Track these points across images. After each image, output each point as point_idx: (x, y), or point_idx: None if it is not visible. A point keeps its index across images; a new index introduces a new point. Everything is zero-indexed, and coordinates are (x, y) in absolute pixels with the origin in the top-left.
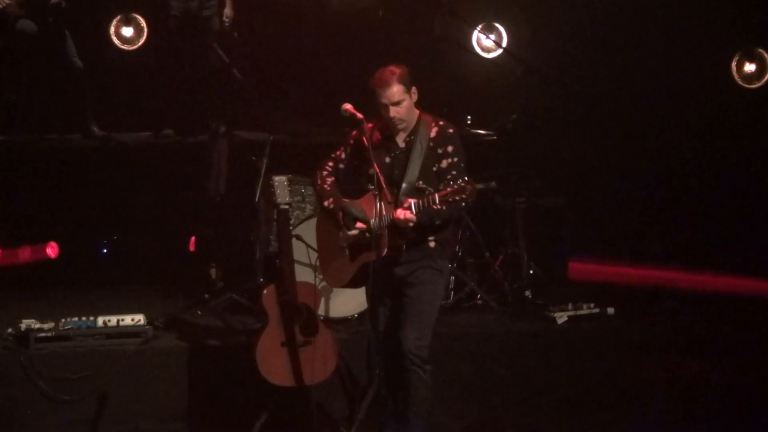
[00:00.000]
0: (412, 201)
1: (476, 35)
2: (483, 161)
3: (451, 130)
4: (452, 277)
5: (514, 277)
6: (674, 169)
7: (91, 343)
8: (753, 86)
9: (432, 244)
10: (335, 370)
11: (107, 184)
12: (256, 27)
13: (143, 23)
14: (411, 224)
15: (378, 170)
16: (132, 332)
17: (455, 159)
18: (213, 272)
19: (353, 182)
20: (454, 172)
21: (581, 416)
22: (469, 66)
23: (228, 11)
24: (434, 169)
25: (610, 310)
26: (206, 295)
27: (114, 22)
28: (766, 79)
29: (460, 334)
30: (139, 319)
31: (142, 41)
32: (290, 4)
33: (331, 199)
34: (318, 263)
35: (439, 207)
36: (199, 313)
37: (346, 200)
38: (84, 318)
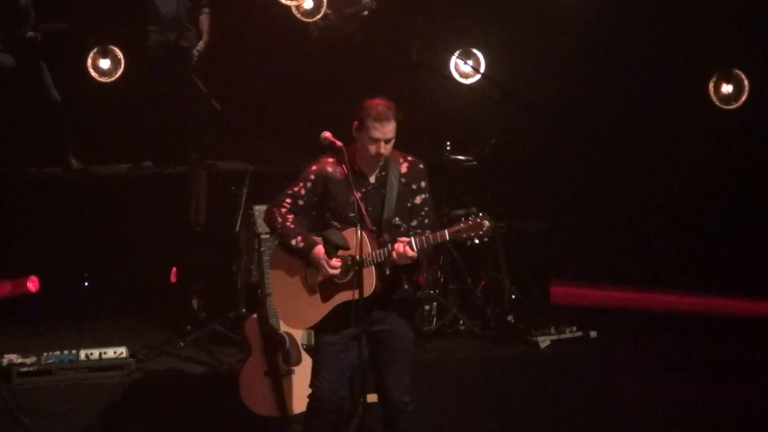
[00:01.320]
0: (413, 238)
1: (454, 61)
2: (463, 187)
3: (421, 166)
4: (434, 303)
5: (497, 302)
6: (655, 192)
7: (73, 377)
8: (730, 107)
9: (406, 286)
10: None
11: (87, 217)
12: (234, 56)
13: (120, 55)
14: (409, 261)
15: (357, 197)
16: (115, 365)
17: (427, 195)
18: (195, 303)
19: (312, 220)
20: (427, 209)
21: None
22: (447, 92)
23: (201, 44)
24: (408, 204)
25: (593, 334)
26: (188, 326)
27: (91, 55)
28: (743, 100)
29: (443, 360)
30: (122, 351)
31: (119, 73)
32: (268, 34)
33: (299, 238)
34: (274, 305)
35: (435, 243)
36: (182, 344)
37: (317, 236)
38: (66, 352)
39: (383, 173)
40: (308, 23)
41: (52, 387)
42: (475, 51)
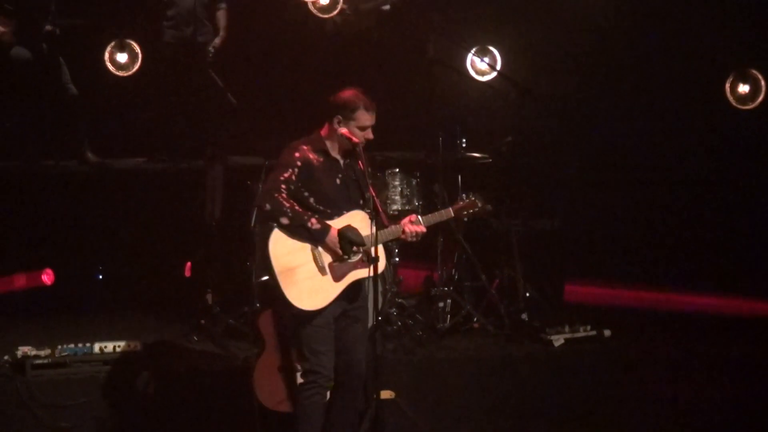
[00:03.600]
0: (419, 216)
1: (470, 58)
2: (478, 184)
3: (369, 155)
4: (448, 300)
5: (511, 300)
6: (669, 190)
7: (87, 370)
8: (747, 107)
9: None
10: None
11: (102, 210)
12: (250, 51)
13: (138, 49)
14: (418, 238)
15: (373, 193)
16: (129, 358)
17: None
18: (209, 297)
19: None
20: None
21: None
22: (463, 89)
23: (217, 40)
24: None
25: (607, 332)
26: (202, 321)
27: (108, 48)
28: (760, 100)
29: (457, 357)
30: (136, 345)
31: (136, 67)
32: (285, 28)
33: (314, 220)
34: (281, 286)
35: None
36: (196, 338)
37: (331, 222)
38: (80, 344)
39: (347, 160)
40: (325, 19)
41: (67, 379)
42: (491, 48)
